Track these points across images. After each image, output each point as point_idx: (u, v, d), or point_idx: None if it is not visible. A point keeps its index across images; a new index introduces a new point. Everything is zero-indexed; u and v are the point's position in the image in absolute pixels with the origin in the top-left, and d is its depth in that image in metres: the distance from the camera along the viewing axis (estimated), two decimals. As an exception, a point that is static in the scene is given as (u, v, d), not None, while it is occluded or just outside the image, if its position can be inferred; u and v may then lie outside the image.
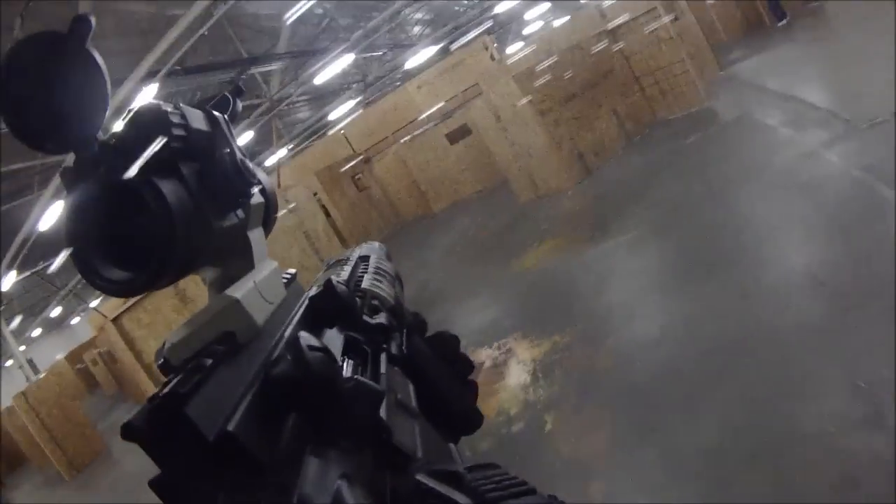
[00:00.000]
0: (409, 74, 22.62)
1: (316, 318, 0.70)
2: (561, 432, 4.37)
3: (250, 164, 0.69)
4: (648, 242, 6.90)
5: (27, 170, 13.24)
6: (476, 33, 20.75)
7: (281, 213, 8.79)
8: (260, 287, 0.66)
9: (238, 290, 0.61)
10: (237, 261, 0.70)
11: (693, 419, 3.71)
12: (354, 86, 23.68)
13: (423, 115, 19.89)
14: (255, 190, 0.70)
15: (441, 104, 19.46)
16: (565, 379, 5.02)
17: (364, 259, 1.08)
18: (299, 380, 0.53)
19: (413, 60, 20.74)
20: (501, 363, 5.99)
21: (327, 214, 18.41)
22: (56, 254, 16.84)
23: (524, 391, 5.19)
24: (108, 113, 0.56)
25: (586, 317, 5.92)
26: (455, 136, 18.25)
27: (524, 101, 11.56)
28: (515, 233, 10.69)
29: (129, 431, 0.44)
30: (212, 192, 0.62)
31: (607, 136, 12.42)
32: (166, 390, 0.46)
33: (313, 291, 0.74)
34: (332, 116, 23.50)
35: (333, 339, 0.71)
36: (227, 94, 0.76)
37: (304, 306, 0.72)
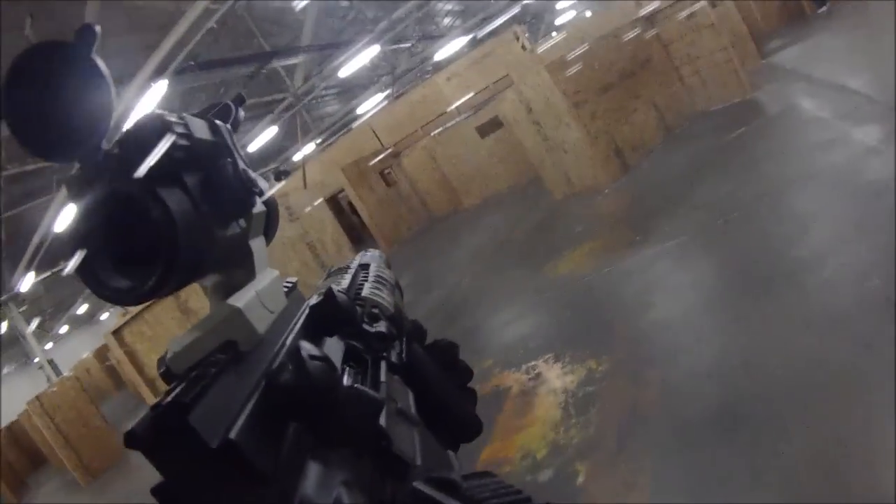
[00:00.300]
0: (439, 66, 22.11)
1: (317, 327, 0.70)
2: (596, 486, 3.79)
3: (252, 174, 0.69)
4: (695, 251, 6.26)
5: (43, 170, 13.06)
6: (505, 18, 20.05)
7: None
8: (261, 296, 0.66)
9: (240, 300, 0.62)
10: (238, 270, 0.70)
11: (754, 480, 3.15)
12: (383, 78, 23.23)
13: (453, 108, 19.40)
14: (257, 199, 0.70)
15: (471, 96, 18.94)
16: (602, 418, 4.41)
17: (364, 267, 1.07)
18: (300, 388, 0.53)
19: (443, 52, 20.27)
20: (529, 391, 5.41)
21: (351, 211, 18.03)
22: (72, 255, 16.78)
23: (554, 430, 4.60)
24: (112, 122, 0.57)
25: (627, 339, 5.31)
26: (486, 130, 17.73)
27: (557, 92, 10.99)
28: (549, 234, 10.13)
29: (132, 439, 0.45)
30: (214, 202, 0.62)
31: (646, 129, 11.77)
32: (169, 399, 0.46)
33: (314, 300, 0.75)
34: (360, 110, 23.13)
35: (334, 347, 0.69)
36: (228, 102, 0.76)
37: (304, 315, 0.72)
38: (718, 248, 6.00)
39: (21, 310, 19.02)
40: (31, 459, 17.88)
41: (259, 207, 0.72)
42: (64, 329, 30.21)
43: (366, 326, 0.77)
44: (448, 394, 0.86)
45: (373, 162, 20.29)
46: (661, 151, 11.25)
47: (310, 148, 23.47)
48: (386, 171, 20.82)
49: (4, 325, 19.36)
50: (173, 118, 0.60)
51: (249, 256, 0.71)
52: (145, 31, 11.06)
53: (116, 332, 7.87)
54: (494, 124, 16.85)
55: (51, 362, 19.32)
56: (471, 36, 20.16)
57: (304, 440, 0.51)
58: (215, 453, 0.44)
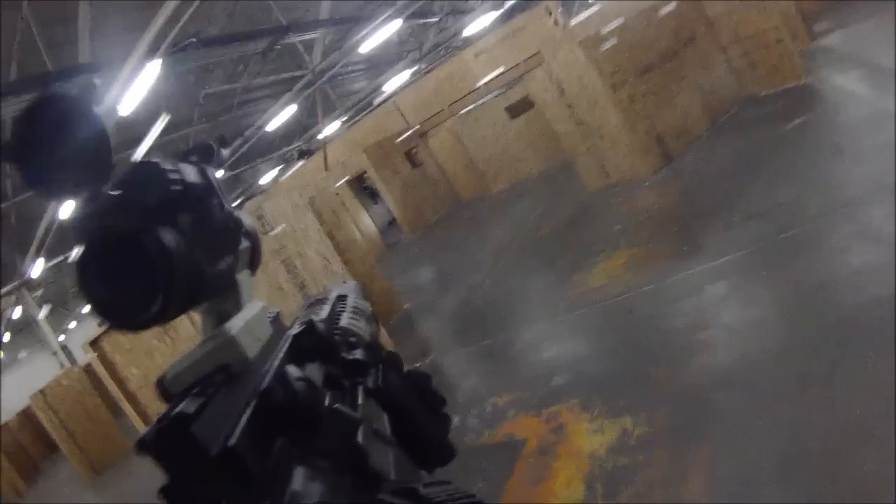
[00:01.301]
0: (469, 42, 21.01)
1: (298, 354, 0.74)
2: None
3: (236, 213, 0.78)
4: (755, 275, 5.17)
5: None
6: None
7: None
8: (250, 325, 0.72)
9: (232, 328, 0.69)
10: (227, 300, 0.76)
11: None
12: (410, 54, 22.20)
13: (481, 86, 18.38)
14: (242, 238, 0.80)
15: (500, 73, 17.89)
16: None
17: (342, 298, 1.11)
18: (288, 406, 0.60)
19: (472, 27, 19.20)
20: (549, 448, 4.44)
21: (373, 199, 17.19)
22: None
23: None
24: (111, 166, 0.65)
25: (671, 393, 4.24)
26: (516, 110, 16.72)
27: (592, 72, 9.93)
28: (581, 233, 9.10)
29: (142, 446, 0.52)
30: (204, 241, 0.67)
31: (689, 115, 10.62)
32: (176, 412, 0.53)
33: (296, 329, 0.79)
34: (386, 87, 22.17)
35: (314, 372, 0.74)
36: (211, 143, 0.80)
37: (287, 342, 0.75)
38: (784, 272, 4.93)
39: (35, 294, 18.58)
40: (46, 444, 17.53)
41: (244, 243, 0.80)
42: (87, 309, 29.82)
43: (343, 354, 0.83)
44: (422, 419, 0.88)
45: (398, 140, 19.42)
46: (706, 140, 10.13)
47: (335, 126, 22.63)
48: (413, 150, 19.93)
49: (18, 309, 19.00)
50: (168, 165, 0.66)
51: (237, 288, 0.77)
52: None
53: (94, 343, 7.16)
54: (525, 105, 15.79)
55: (65, 349, 18.86)
56: (501, 10, 18.99)
57: (289, 453, 0.58)
58: (214, 460, 0.50)
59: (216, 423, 0.53)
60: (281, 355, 0.71)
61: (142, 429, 7.20)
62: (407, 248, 17.18)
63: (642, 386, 4.49)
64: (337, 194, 15.26)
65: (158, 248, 0.60)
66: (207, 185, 0.72)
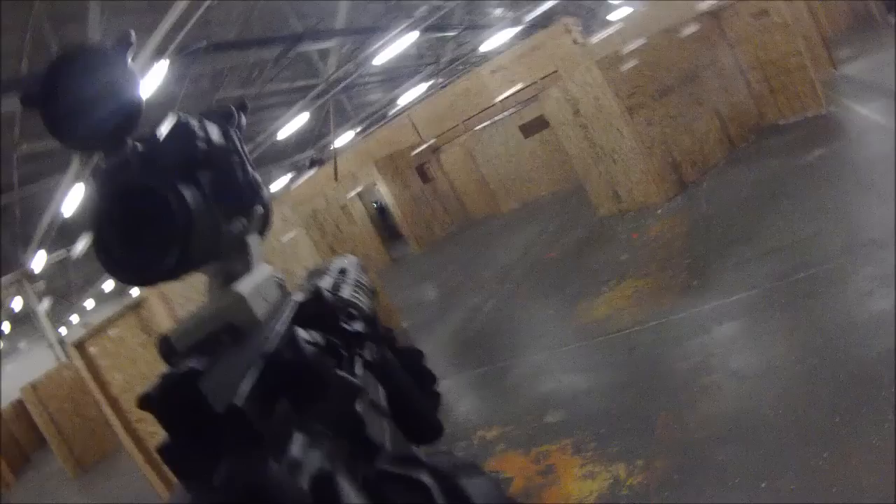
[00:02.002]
0: (486, 58, 20.77)
1: (303, 320, 0.73)
2: None
3: (258, 178, 0.79)
4: (770, 316, 4.77)
5: (52, 151, 12.31)
6: (554, 2, 18.52)
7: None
8: (260, 287, 0.73)
9: (242, 288, 0.69)
10: (237, 262, 0.76)
11: None
12: (427, 68, 21.99)
13: (497, 103, 18.10)
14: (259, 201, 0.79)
15: (516, 91, 17.61)
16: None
17: (342, 271, 1.09)
18: (297, 368, 0.60)
19: (489, 42, 18.98)
20: (534, 491, 4.10)
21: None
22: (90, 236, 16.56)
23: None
24: (139, 121, 0.63)
25: (671, 443, 3.87)
26: (530, 129, 16.44)
27: (609, 93, 9.60)
28: (589, 258, 8.75)
29: (145, 401, 0.52)
30: (223, 200, 0.69)
31: (707, 141, 10.29)
32: (184, 367, 0.53)
33: (300, 297, 0.79)
34: (401, 101, 21.97)
35: (317, 339, 0.72)
36: (232, 107, 0.79)
37: (293, 307, 0.75)
38: (799, 315, 4.57)
39: (36, 286, 18.46)
40: (38, 436, 17.32)
41: (259, 209, 0.80)
42: (90, 303, 29.68)
43: (345, 325, 0.81)
44: (412, 396, 0.90)
45: (412, 154, 19.17)
46: (723, 169, 9.79)
47: (348, 137, 22.42)
48: (424, 165, 19.68)
49: (19, 301, 18.89)
50: (194, 122, 0.68)
51: (248, 250, 0.78)
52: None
53: (79, 345, 6.91)
54: (540, 124, 15.47)
55: (62, 343, 18.66)
56: (520, 27, 18.75)
57: (290, 416, 0.57)
58: (220, 417, 0.50)
59: (222, 381, 0.53)
60: (286, 320, 0.69)
61: (122, 433, 6.83)
62: (412, 264, 16.88)
63: (639, 432, 4.14)
64: (344, 206, 14.98)
65: (179, 202, 0.60)
66: (231, 146, 0.74)
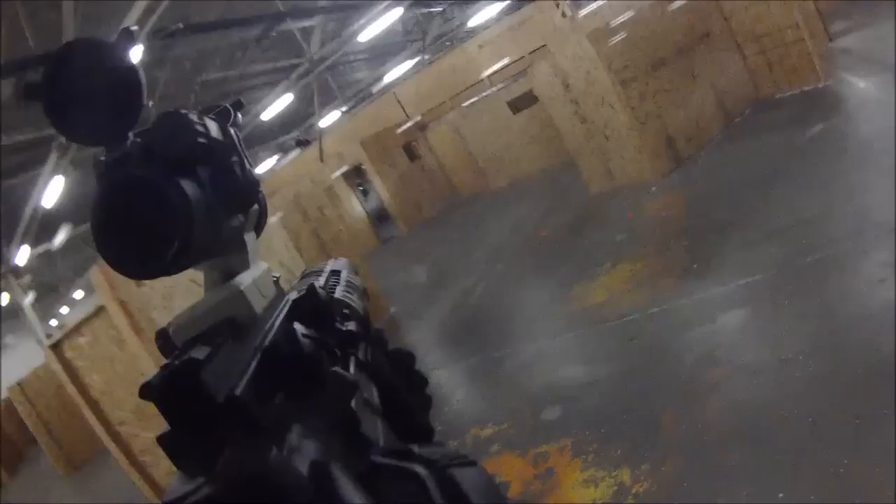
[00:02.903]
0: (474, 33, 20.37)
1: (297, 318, 0.73)
2: None
3: (256, 175, 0.76)
4: (775, 303, 4.51)
5: (35, 142, 11.92)
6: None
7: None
8: (258, 282, 0.73)
9: (240, 283, 0.69)
10: (235, 258, 0.76)
11: None
12: (414, 45, 21.57)
13: (484, 79, 17.74)
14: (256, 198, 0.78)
15: (504, 66, 17.24)
16: None
17: (335, 273, 1.10)
18: (294, 361, 0.62)
19: (478, 17, 18.57)
20: (532, 497, 3.87)
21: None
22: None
23: None
24: (141, 115, 0.62)
25: (678, 444, 3.63)
26: (519, 105, 16.14)
27: (600, 66, 9.29)
28: (582, 239, 8.49)
29: (147, 390, 0.51)
30: (222, 195, 0.67)
31: (702, 115, 10.01)
32: (185, 357, 0.51)
33: (295, 294, 0.79)
34: (387, 78, 21.55)
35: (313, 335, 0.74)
36: (227, 105, 0.79)
37: (287, 304, 0.76)
38: (809, 304, 4.33)
39: (22, 281, 18.14)
40: (30, 434, 17.11)
41: (255, 206, 0.79)
42: (79, 294, 29.31)
43: (338, 325, 0.82)
44: (404, 396, 0.90)
45: (398, 131, 18.84)
46: (719, 144, 9.52)
47: (334, 116, 22.02)
48: (411, 144, 19.35)
49: (6, 297, 18.56)
50: (194, 118, 0.66)
51: (245, 247, 0.77)
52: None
53: (55, 346, 6.64)
54: (529, 99, 15.18)
55: (49, 337, 18.33)
56: (507, 1, 18.36)
57: (287, 409, 0.58)
58: (221, 407, 0.50)
59: (224, 372, 0.53)
60: (281, 316, 0.71)
61: (105, 438, 6.56)
62: (401, 245, 16.62)
63: (644, 432, 3.90)
64: (329, 188, 14.65)
65: (180, 196, 0.59)
66: (230, 143, 0.73)
